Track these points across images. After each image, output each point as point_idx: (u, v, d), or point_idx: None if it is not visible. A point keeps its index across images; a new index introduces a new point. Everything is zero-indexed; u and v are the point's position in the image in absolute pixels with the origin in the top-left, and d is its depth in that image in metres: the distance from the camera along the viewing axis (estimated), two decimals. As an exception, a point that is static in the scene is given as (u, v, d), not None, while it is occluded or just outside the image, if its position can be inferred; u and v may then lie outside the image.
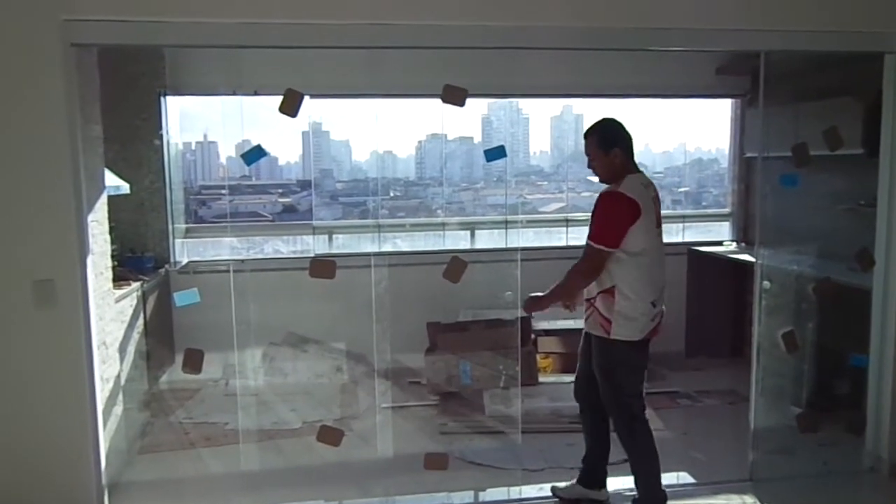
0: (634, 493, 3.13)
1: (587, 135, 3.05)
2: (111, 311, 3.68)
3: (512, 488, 3.52)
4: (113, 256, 3.76)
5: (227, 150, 6.24)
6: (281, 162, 6.82)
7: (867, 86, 3.72)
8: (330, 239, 5.66)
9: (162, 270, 4.91)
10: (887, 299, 3.53)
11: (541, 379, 4.66)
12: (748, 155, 5.58)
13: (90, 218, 3.14)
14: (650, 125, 6.30)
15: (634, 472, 3.09)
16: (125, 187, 4.42)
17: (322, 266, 3.11)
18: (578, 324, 3.19)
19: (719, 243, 5.77)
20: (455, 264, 3.09)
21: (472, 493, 3.56)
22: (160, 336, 4.70)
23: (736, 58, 5.15)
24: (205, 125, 6.06)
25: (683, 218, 6.11)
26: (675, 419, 4.35)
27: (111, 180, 4.00)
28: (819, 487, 3.50)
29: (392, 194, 6.50)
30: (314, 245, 5.54)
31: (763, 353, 3.53)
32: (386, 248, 5.59)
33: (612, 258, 2.91)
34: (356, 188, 6.57)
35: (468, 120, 6.44)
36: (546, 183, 6.94)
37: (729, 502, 3.35)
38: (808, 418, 3.61)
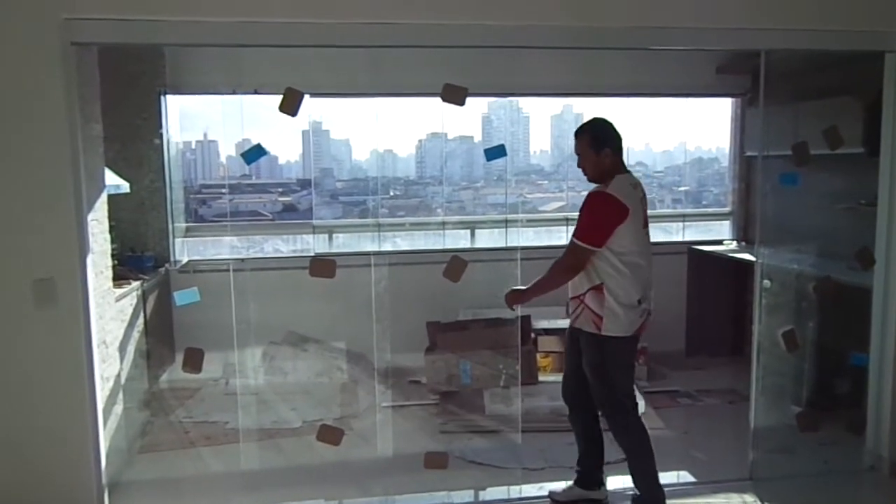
0: (633, 491, 3.13)
1: (578, 134, 3.08)
2: (111, 310, 3.68)
3: (512, 487, 3.52)
4: (113, 255, 3.76)
5: (227, 149, 6.25)
6: (281, 161, 6.81)
7: (867, 85, 3.72)
8: (330, 238, 5.66)
9: (162, 269, 4.91)
10: (887, 298, 3.53)
11: (541, 378, 4.66)
12: (748, 154, 5.57)
13: (90, 217, 3.14)
14: (650, 124, 6.31)
15: (632, 470, 3.10)
16: (125, 186, 4.43)
17: (322, 265, 3.11)
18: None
19: (719, 242, 5.78)
20: (455, 263, 3.09)
21: (472, 492, 3.56)
22: (160, 335, 4.70)
23: (736, 57, 5.14)
24: (205, 124, 6.06)
25: (684, 217, 6.11)
26: (675, 418, 4.35)
27: (111, 179, 4.00)
28: (819, 486, 3.50)
29: (392, 193, 6.50)
30: (314, 244, 5.54)
31: (763, 352, 3.53)
32: (386, 248, 5.59)
33: (600, 256, 2.95)
34: (356, 187, 6.56)
35: (468, 119, 6.44)
36: (546, 182, 6.94)
37: (729, 501, 3.35)
38: (808, 417, 3.61)
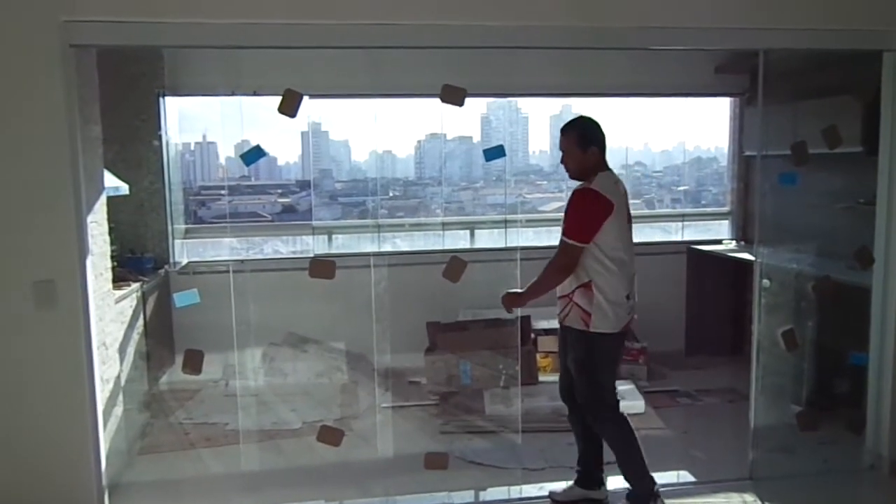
0: (626, 488, 3.14)
1: (564, 131, 3.11)
2: (111, 312, 3.68)
3: (512, 488, 3.52)
4: (113, 257, 3.76)
5: (226, 151, 6.25)
6: (280, 162, 6.81)
7: (866, 84, 3.72)
8: (329, 239, 5.66)
9: (161, 271, 4.92)
10: (887, 297, 3.53)
11: (541, 378, 4.66)
12: (747, 153, 5.57)
13: (90, 219, 3.14)
14: (649, 124, 6.31)
15: (620, 464, 3.12)
16: (124, 188, 4.42)
17: (322, 266, 3.11)
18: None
19: (719, 242, 5.78)
20: (455, 264, 3.09)
21: (472, 492, 3.56)
22: (160, 337, 4.70)
23: (735, 56, 5.15)
24: (204, 126, 6.06)
25: (683, 216, 6.12)
26: (675, 418, 4.35)
27: (110, 181, 4.00)
28: (819, 486, 3.50)
29: (391, 194, 6.50)
30: (314, 245, 5.54)
31: (763, 351, 3.53)
32: (385, 248, 5.59)
33: (587, 254, 2.97)
34: (355, 188, 6.56)
35: (467, 119, 6.44)
36: (545, 182, 6.94)
37: (729, 501, 3.35)
38: (808, 416, 3.61)
